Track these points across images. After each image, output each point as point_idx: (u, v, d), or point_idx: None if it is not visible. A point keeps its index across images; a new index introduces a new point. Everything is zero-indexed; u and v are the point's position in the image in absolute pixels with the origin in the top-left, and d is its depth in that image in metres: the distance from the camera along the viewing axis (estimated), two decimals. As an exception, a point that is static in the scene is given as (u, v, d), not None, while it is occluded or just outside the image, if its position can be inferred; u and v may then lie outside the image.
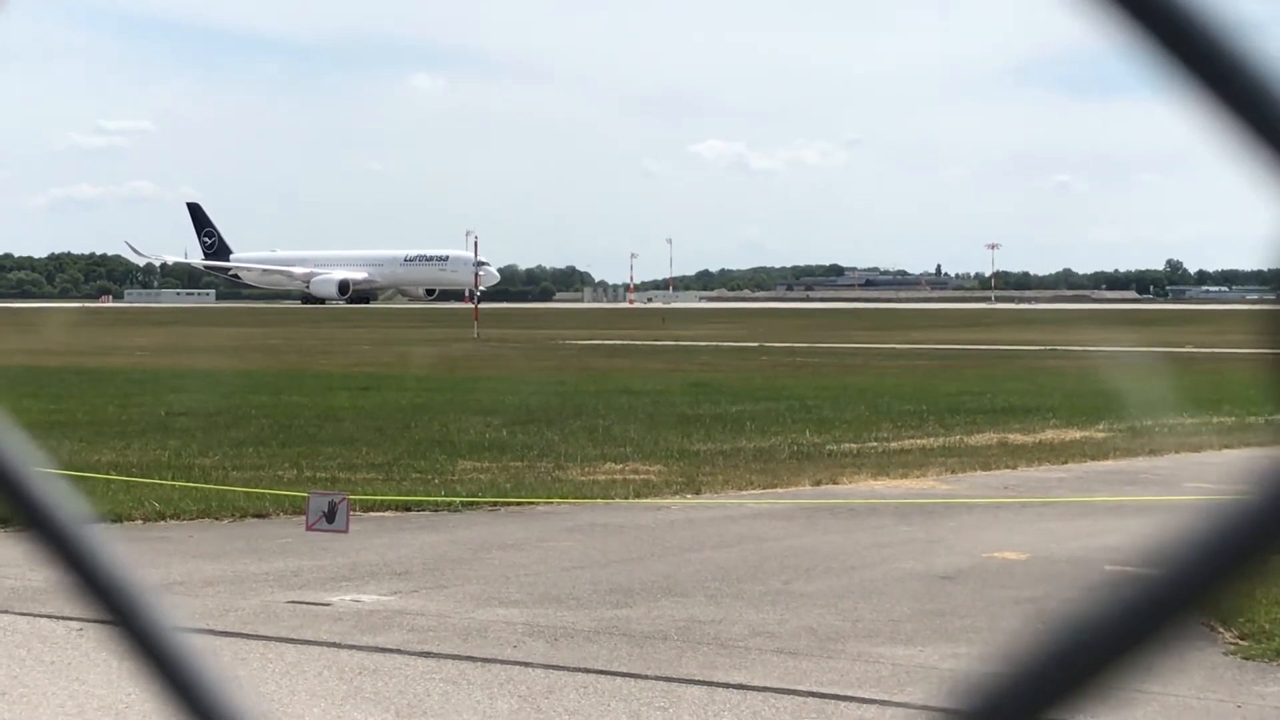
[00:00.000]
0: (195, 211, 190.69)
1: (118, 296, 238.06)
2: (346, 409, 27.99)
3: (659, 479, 18.17)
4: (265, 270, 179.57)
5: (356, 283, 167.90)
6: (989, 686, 0.84)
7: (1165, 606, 0.81)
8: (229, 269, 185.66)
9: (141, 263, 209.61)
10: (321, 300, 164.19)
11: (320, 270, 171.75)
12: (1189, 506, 16.06)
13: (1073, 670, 0.83)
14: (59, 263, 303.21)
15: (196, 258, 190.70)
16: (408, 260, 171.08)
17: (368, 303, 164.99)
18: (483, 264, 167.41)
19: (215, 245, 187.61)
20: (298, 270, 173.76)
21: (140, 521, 15.14)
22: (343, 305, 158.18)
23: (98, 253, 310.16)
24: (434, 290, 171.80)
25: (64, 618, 10.48)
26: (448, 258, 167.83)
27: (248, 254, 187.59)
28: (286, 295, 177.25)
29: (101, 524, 1.26)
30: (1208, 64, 0.79)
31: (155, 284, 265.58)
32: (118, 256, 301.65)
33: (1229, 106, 0.79)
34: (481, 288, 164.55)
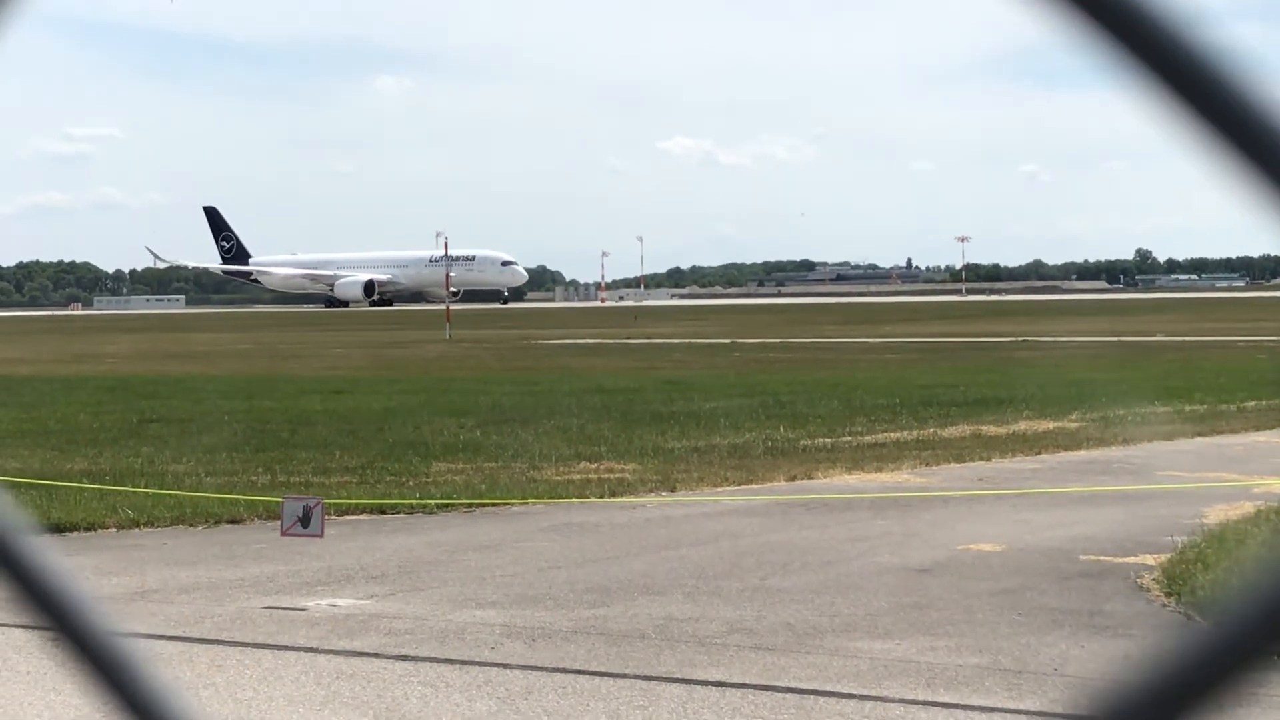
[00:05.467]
0: (212, 215, 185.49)
1: (87, 304, 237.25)
2: (319, 413, 27.92)
3: (634, 477, 18.15)
4: (288, 274, 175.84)
5: (381, 284, 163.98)
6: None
7: (1234, 655, 0.81)
8: (250, 273, 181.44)
9: (163, 266, 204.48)
10: (345, 303, 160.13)
11: (344, 273, 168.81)
12: (1163, 494, 16.13)
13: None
14: (27, 271, 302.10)
15: (215, 262, 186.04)
16: (433, 261, 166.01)
17: (391, 305, 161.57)
18: (510, 263, 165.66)
19: (233, 249, 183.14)
20: (321, 273, 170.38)
21: (114, 529, 15.07)
22: (366, 308, 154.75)
23: (66, 260, 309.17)
24: (458, 291, 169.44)
25: (39, 627, 10.41)
26: (474, 258, 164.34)
27: (268, 257, 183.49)
28: (309, 299, 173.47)
29: (46, 533, 1.25)
30: (1181, 77, 0.78)
31: (125, 291, 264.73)
32: (86, 264, 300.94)
33: (1206, 120, 0.78)
34: (511, 287, 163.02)
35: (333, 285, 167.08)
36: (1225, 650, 0.82)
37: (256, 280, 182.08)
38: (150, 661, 1.19)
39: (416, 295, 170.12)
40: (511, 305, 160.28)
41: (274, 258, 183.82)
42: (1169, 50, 0.78)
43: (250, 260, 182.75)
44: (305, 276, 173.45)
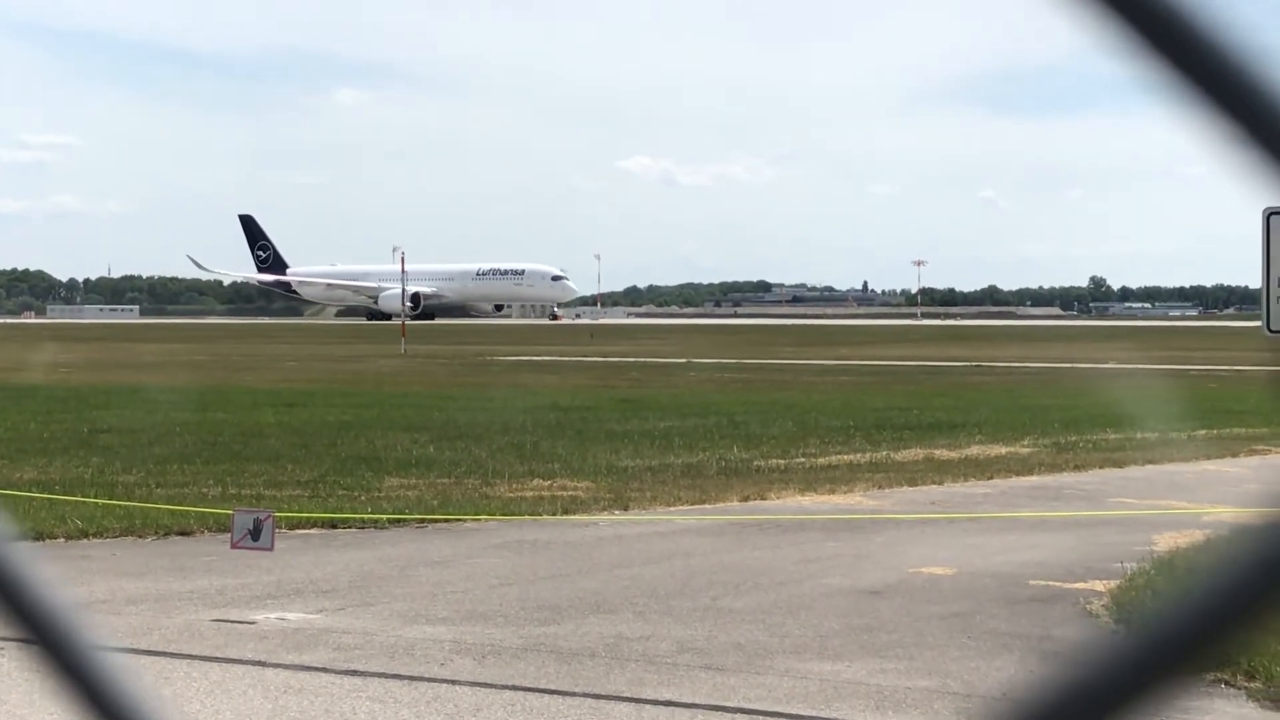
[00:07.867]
0: (248, 224, 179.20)
1: (40, 312, 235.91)
2: (272, 426, 27.81)
3: (587, 495, 18.15)
4: (330, 285, 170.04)
5: (426, 297, 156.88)
6: None
7: (1161, 662, 0.81)
8: (288, 284, 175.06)
9: (206, 277, 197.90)
10: (388, 316, 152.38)
11: (388, 284, 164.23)
12: (1113, 521, 16.22)
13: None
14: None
15: (251, 271, 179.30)
16: (480, 274, 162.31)
17: (433, 319, 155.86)
18: (560, 278, 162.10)
19: (270, 259, 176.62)
20: (365, 284, 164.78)
21: (63, 539, 14.97)
22: (410, 321, 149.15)
23: (20, 268, 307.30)
24: (502, 305, 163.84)
25: (-16, 637, 10.34)
26: (524, 271, 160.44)
27: (307, 268, 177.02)
28: (351, 311, 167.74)
29: (23, 542, 1.23)
30: (1199, 62, 0.78)
31: (79, 300, 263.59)
32: (40, 272, 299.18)
33: (1218, 104, 0.78)
34: (562, 302, 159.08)
35: (376, 298, 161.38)
36: (1142, 663, 0.82)
37: (295, 292, 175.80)
38: (130, 674, 1.18)
39: (460, 309, 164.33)
40: (469, 321, 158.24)
41: (313, 268, 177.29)
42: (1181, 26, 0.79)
43: (288, 270, 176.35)
44: (348, 288, 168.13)
